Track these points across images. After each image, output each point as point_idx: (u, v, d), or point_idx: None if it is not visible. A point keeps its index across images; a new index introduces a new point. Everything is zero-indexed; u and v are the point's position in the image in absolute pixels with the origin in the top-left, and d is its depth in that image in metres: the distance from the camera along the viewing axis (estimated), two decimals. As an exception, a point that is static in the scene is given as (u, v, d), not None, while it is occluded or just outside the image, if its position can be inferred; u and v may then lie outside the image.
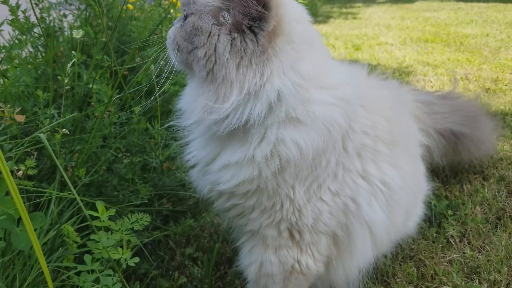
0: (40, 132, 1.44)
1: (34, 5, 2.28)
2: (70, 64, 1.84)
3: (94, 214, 1.45)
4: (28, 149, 1.73)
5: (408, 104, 2.01)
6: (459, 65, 4.94)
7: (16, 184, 1.53)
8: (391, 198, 1.52)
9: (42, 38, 2.61)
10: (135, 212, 1.94)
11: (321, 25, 8.18)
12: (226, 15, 1.22)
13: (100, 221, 1.45)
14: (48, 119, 1.79)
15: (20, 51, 2.70)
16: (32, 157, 1.76)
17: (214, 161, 1.36)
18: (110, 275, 1.45)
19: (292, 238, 1.41)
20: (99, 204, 1.48)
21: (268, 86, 1.21)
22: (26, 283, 1.42)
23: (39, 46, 2.70)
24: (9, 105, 1.61)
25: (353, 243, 1.49)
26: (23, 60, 2.35)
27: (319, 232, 1.43)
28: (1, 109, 1.61)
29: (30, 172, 1.61)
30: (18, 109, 1.62)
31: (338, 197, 1.40)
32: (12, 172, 1.53)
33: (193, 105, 1.31)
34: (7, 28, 2.33)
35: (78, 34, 1.93)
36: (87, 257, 1.53)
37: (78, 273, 1.64)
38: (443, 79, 4.45)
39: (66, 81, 1.82)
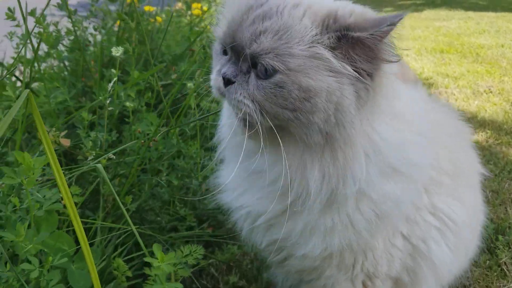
0: (95, 163, 1.33)
1: (68, 19, 2.18)
2: (111, 84, 1.74)
3: (154, 262, 1.36)
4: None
5: (463, 129, 1.88)
6: (479, 77, 4.86)
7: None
8: (457, 235, 1.40)
9: (67, 52, 2.52)
10: (178, 239, 1.85)
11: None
12: (344, 62, 1.01)
13: (156, 265, 1.34)
14: (90, 141, 1.69)
15: (45, 65, 2.60)
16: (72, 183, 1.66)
17: (281, 217, 1.19)
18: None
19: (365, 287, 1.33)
20: (157, 249, 1.39)
21: (376, 136, 1.08)
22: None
23: (65, 61, 2.61)
24: (54, 128, 1.52)
25: (418, 286, 1.40)
26: (54, 75, 2.24)
27: (388, 278, 1.35)
28: (48, 131, 1.51)
29: (76, 200, 1.51)
30: (63, 133, 1.52)
31: (409, 241, 1.31)
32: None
33: (300, 175, 1.10)
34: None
35: (118, 51, 1.84)
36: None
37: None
38: (466, 91, 4.37)
39: (107, 102, 1.72)
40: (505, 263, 2.03)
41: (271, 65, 0.99)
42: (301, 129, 1.04)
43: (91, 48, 2.69)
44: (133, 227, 1.35)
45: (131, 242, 1.67)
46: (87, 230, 1.62)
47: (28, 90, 0.83)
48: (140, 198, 1.76)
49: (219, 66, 1.12)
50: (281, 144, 1.06)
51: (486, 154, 3.09)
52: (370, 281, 1.32)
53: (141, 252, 1.68)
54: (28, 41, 1.83)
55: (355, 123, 1.03)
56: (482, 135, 3.42)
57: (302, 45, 0.99)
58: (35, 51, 1.68)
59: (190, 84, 2.03)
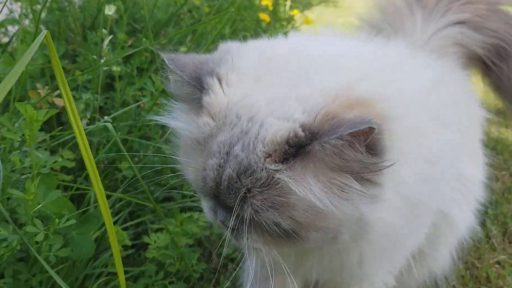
0: (107, 123, 1.24)
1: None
2: (106, 42, 1.63)
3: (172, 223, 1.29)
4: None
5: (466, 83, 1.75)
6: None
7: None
8: (474, 193, 1.41)
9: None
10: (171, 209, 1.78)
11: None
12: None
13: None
14: (82, 104, 1.58)
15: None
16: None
17: None
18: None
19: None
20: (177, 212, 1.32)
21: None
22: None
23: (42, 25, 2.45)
24: (47, 87, 1.40)
25: (437, 252, 1.38)
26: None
27: None
28: (38, 90, 1.39)
29: (67, 164, 1.41)
30: (56, 92, 1.41)
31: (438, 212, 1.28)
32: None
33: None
34: None
35: (110, 10, 1.73)
36: (150, 267, 1.36)
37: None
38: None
39: (102, 61, 1.61)
40: (494, 236, 2.06)
41: (273, 222, 0.87)
42: (327, 247, 0.99)
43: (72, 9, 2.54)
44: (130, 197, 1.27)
45: (126, 211, 1.59)
46: (81, 197, 1.53)
47: (46, 31, 0.74)
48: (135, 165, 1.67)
49: (207, 200, 0.98)
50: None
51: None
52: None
53: (137, 221, 1.61)
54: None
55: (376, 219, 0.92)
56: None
57: (297, 197, 0.85)
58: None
59: (183, 50, 1.94)
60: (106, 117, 1.53)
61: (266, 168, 0.84)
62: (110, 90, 2.00)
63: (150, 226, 1.61)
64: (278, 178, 0.83)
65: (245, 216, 0.87)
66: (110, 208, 1.56)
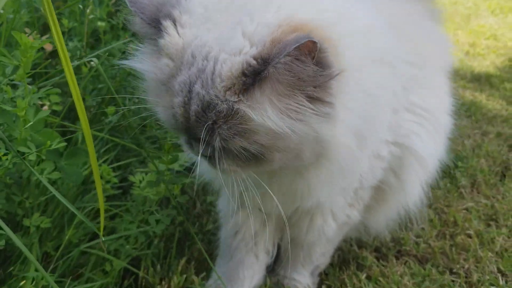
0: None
1: None
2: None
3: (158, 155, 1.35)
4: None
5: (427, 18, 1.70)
6: (435, 29, 5.02)
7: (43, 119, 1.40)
8: (434, 122, 1.44)
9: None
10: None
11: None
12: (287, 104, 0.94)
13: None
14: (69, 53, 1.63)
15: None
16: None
17: None
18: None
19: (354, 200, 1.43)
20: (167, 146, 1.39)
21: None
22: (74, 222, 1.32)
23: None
24: (35, 31, 1.45)
25: (406, 183, 1.47)
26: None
27: (370, 188, 1.43)
28: (27, 34, 1.44)
29: (56, 108, 1.48)
30: (45, 37, 1.46)
31: (395, 144, 1.37)
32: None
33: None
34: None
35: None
36: (136, 198, 1.43)
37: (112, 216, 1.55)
38: (423, 42, 4.51)
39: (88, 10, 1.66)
40: (463, 186, 2.17)
41: (240, 147, 0.96)
42: (292, 165, 1.07)
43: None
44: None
45: (112, 154, 1.67)
46: (68, 141, 1.59)
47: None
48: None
49: (182, 137, 1.09)
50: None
51: (444, 95, 3.24)
52: (355, 193, 1.42)
53: (123, 162, 1.68)
54: None
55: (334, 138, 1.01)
56: (439, 79, 3.57)
57: (256, 122, 0.92)
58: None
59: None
60: (92, 62, 1.59)
61: (226, 101, 0.91)
62: (97, 45, 2.05)
63: (136, 170, 1.68)
64: (238, 109, 0.91)
65: (215, 145, 0.95)
66: (97, 151, 1.63)
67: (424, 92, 1.40)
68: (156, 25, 0.98)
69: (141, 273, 1.48)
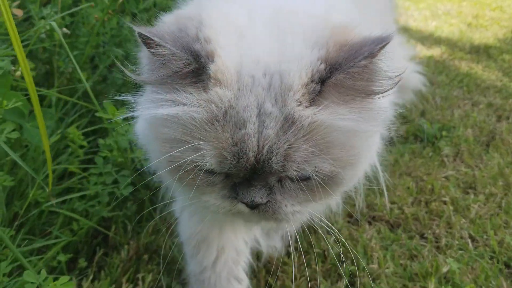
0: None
1: None
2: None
3: (105, 115, 1.37)
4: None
5: None
6: (439, 1, 4.93)
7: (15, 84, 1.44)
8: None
9: None
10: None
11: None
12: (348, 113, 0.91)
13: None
14: (42, 18, 1.66)
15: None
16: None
17: None
18: (126, 176, 1.41)
19: None
20: (108, 105, 1.39)
21: None
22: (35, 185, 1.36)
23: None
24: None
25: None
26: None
27: None
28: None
29: (32, 73, 1.50)
30: (16, 3, 1.48)
31: None
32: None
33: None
34: None
35: None
36: (98, 159, 1.47)
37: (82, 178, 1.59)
38: (426, 13, 4.44)
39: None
40: (446, 155, 2.17)
41: (315, 169, 0.85)
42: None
43: None
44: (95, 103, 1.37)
45: (85, 120, 1.70)
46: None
47: None
48: (94, 77, 1.76)
49: (218, 190, 0.92)
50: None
51: (439, 66, 3.20)
52: None
53: (95, 127, 1.71)
54: None
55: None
56: (437, 50, 3.52)
57: (336, 135, 0.86)
58: None
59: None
60: (65, 29, 1.61)
61: (303, 115, 0.82)
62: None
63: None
64: (315, 121, 0.82)
65: (290, 175, 0.85)
66: (71, 114, 1.66)
67: None
68: (188, 53, 0.83)
69: (111, 234, 1.53)
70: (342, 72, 0.81)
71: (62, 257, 1.30)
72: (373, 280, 1.46)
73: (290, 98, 0.81)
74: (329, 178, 0.87)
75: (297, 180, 0.86)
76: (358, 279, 1.47)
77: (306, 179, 0.86)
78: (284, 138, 0.81)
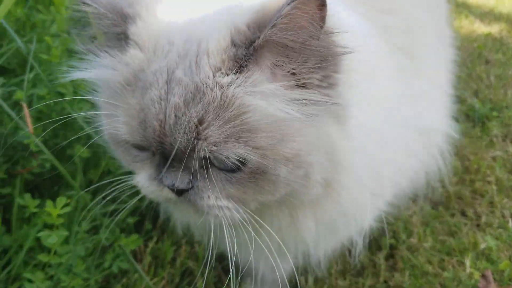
0: None
1: None
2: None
3: None
4: None
5: None
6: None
7: None
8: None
9: None
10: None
11: None
12: (295, 89, 0.79)
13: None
14: None
15: None
16: None
17: None
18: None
19: None
20: None
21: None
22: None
23: None
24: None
25: None
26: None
27: None
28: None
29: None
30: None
31: None
32: None
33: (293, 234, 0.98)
34: None
35: None
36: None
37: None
38: (488, -13, 4.31)
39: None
40: (495, 135, 2.19)
41: (237, 155, 0.74)
42: (297, 195, 0.86)
43: None
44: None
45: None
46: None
47: None
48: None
49: (147, 169, 0.85)
50: (262, 220, 0.86)
51: (497, 44, 3.15)
52: None
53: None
54: None
55: (347, 148, 0.86)
56: (495, 27, 3.45)
57: (257, 112, 0.75)
58: None
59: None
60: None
61: (217, 85, 0.73)
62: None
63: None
64: (232, 95, 0.73)
65: (202, 156, 0.75)
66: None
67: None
68: (116, 14, 0.81)
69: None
70: (268, 30, 0.71)
71: (131, 220, 1.48)
72: (412, 253, 1.56)
73: (204, 65, 0.74)
74: (260, 173, 0.77)
75: (222, 170, 0.78)
76: (397, 251, 1.58)
77: (232, 170, 0.77)
78: (194, 110, 0.73)
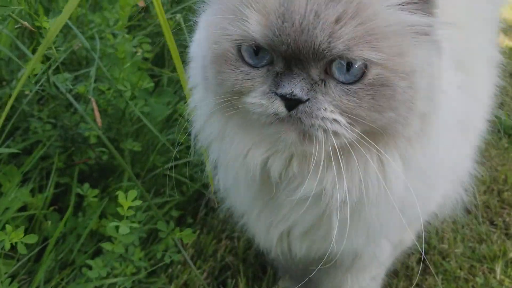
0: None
1: None
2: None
3: None
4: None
5: None
6: (527, -12, 4.77)
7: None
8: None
9: None
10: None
11: None
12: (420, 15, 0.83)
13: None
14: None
15: None
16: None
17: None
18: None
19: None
20: None
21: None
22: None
23: None
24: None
25: None
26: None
27: None
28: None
29: (146, 55, 1.74)
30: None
31: None
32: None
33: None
34: None
35: None
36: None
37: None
38: (512, 1, 4.34)
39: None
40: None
41: (364, 59, 0.76)
42: (399, 125, 0.84)
43: None
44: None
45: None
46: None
47: None
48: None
49: (258, 86, 0.83)
50: (353, 154, 0.84)
51: (522, 58, 3.19)
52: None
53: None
54: None
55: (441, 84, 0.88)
56: (520, 41, 3.48)
57: (386, 18, 0.78)
58: None
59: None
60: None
61: None
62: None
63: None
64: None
65: (331, 58, 0.77)
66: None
67: None
68: None
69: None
70: None
71: (175, 213, 1.55)
72: (443, 259, 1.61)
73: None
74: (379, 85, 0.78)
75: (342, 82, 0.78)
76: (429, 256, 1.63)
77: (351, 82, 0.78)
78: (334, 7, 0.75)
